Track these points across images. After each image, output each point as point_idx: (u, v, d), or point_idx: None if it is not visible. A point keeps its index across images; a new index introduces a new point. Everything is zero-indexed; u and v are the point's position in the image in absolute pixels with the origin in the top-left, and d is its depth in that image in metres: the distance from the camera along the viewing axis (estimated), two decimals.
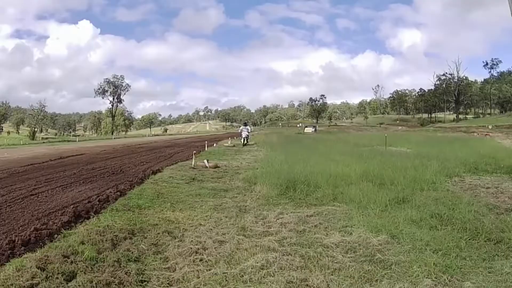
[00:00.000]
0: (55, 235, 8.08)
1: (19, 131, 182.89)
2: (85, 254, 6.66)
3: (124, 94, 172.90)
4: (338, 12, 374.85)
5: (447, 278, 5.94)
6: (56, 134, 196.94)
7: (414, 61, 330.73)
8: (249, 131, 48.13)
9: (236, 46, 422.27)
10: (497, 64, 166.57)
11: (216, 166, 20.67)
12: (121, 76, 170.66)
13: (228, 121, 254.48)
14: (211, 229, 8.73)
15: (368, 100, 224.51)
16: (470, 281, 5.84)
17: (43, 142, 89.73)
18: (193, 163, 21.40)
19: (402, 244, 7.49)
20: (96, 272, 6.07)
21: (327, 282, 5.90)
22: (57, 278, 5.65)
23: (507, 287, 5.60)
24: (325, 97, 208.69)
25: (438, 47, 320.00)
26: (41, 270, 5.84)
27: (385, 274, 6.18)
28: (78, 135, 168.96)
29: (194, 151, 25.53)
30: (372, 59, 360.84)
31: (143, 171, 18.93)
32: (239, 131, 47.91)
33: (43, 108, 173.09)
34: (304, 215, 9.97)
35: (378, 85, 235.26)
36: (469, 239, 7.79)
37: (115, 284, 5.66)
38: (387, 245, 7.52)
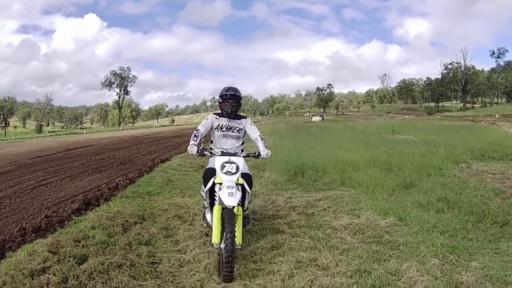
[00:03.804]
0: (66, 222, 8.20)
1: (26, 125, 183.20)
2: (96, 238, 6.77)
3: (131, 85, 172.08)
4: (344, 2, 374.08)
5: (454, 258, 6.03)
6: (63, 127, 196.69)
7: (420, 51, 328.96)
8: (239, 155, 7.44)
9: (242, 37, 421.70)
10: (504, 53, 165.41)
11: None
12: (127, 68, 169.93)
13: None
14: None
15: (375, 89, 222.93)
16: (476, 261, 5.93)
17: (50, 135, 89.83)
18: None
19: (410, 226, 7.59)
20: (108, 255, 6.17)
21: (336, 262, 6.02)
22: (68, 261, 5.73)
23: None
24: (332, 87, 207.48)
25: (444, 37, 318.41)
26: (52, 254, 5.93)
27: (393, 254, 6.29)
28: (85, 128, 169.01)
29: (203, 140, 25.31)
30: (379, 48, 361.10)
31: (151, 160, 19.00)
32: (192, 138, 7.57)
33: (49, 102, 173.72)
34: (312, 199, 10.09)
35: (385, 74, 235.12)
36: (476, 222, 7.90)
37: (127, 266, 5.77)
38: (394, 227, 7.62)
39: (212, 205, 6.77)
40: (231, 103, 7.44)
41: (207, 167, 7.33)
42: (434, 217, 8.12)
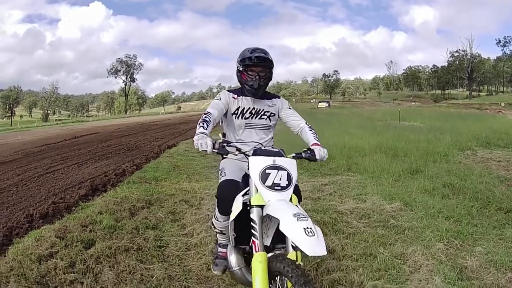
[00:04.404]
0: (73, 208, 8.26)
1: (32, 114, 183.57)
2: (103, 223, 6.82)
3: (137, 73, 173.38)
4: None
5: (459, 243, 6.06)
6: (69, 115, 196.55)
7: (426, 38, 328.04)
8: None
9: (249, 23, 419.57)
10: (510, 42, 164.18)
11: None
12: (133, 55, 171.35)
13: None
14: None
15: (381, 76, 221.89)
16: (481, 246, 5.95)
17: (57, 124, 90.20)
18: None
19: (415, 211, 7.64)
20: (115, 239, 6.22)
21: (342, 245, 6.06)
22: (76, 246, 5.77)
23: None
24: (338, 73, 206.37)
25: (450, 24, 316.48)
26: (60, 239, 5.97)
27: (398, 238, 6.34)
28: (92, 116, 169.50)
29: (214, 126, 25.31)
30: (385, 35, 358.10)
31: (158, 146, 19.19)
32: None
33: (55, 90, 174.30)
34: (319, 184, 10.15)
35: (391, 61, 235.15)
36: (480, 208, 7.94)
37: (134, 250, 5.82)
38: (400, 211, 7.66)
39: (239, 242, 4.29)
40: (257, 73, 4.71)
41: (224, 178, 4.54)
42: (439, 202, 8.17)
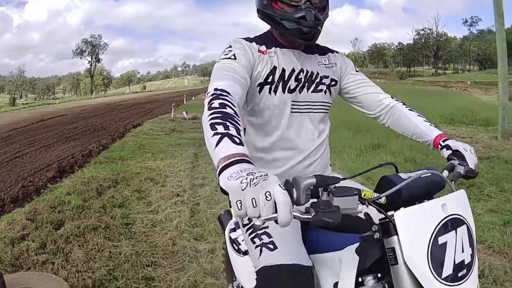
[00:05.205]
0: (42, 190, 8.38)
1: None
2: (71, 204, 6.91)
3: (102, 53, 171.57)
4: None
5: None
6: (35, 98, 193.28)
7: (392, 16, 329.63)
8: None
9: (213, 2, 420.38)
10: (477, 22, 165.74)
11: (195, 118, 20.73)
12: (98, 35, 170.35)
13: (206, 76, 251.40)
14: (192, 175, 9.05)
15: (346, 53, 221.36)
16: None
17: (24, 107, 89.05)
18: (172, 116, 21.81)
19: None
20: (83, 218, 6.30)
21: None
22: (46, 227, 5.88)
23: (478, 227, 5.83)
24: None
25: (416, 3, 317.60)
26: (30, 222, 6.08)
27: None
28: (58, 98, 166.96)
29: (173, 104, 25.56)
30: (351, 13, 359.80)
31: (123, 126, 19.35)
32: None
33: (22, 74, 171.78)
34: None
35: (356, 39, 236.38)
36: None
37: (102, 228, 5.91)
38: (361, 185, 7.77)
39: None
40: None
41: (276, 262, 1.92)
42: None
